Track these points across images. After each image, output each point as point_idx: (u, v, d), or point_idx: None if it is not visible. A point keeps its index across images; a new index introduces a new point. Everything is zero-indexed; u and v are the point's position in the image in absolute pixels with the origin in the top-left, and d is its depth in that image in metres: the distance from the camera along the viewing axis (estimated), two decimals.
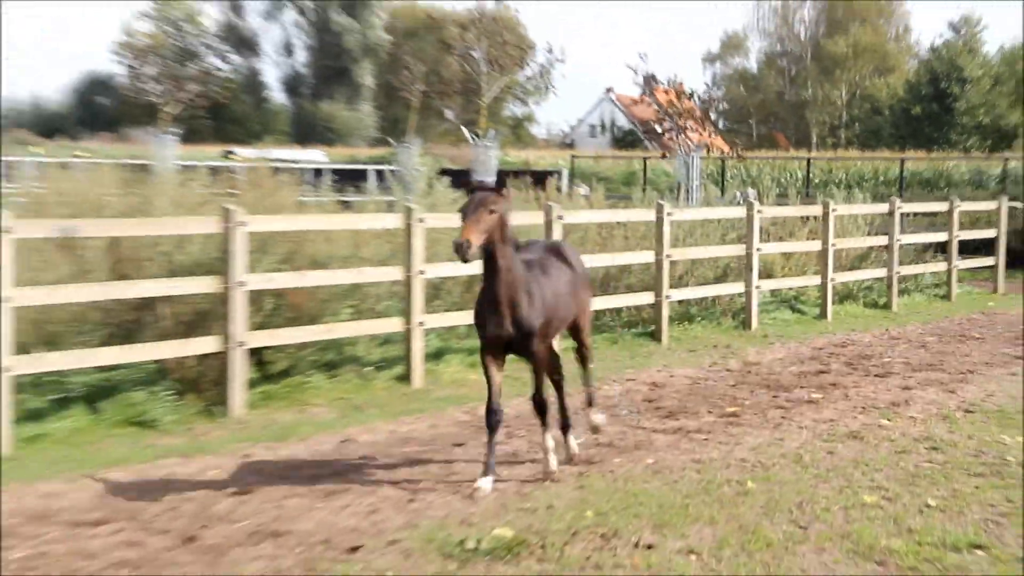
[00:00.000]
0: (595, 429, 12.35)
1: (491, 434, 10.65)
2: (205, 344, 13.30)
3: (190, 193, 17.39)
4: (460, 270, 16.97)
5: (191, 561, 8.47)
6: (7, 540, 8.89)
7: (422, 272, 15.58)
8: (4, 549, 8.70)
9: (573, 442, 11.72)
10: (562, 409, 11.70)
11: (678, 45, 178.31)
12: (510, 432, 12.80)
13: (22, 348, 11.88)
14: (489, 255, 10.14)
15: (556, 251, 11.51)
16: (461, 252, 9.65)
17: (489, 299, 10.34)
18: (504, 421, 13.17)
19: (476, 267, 10.22)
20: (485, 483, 10.42)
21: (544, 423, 10.99)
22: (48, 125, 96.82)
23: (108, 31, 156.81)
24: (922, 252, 28.14)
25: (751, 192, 33.76)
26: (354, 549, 8.76)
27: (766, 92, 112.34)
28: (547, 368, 11.23)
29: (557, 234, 17.68)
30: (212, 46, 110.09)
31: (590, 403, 12.39)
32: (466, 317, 16.88)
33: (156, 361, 13.30)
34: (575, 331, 11.93)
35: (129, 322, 13.45)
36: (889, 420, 13.64)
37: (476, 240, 9.75)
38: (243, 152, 63.47)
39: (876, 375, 16.84)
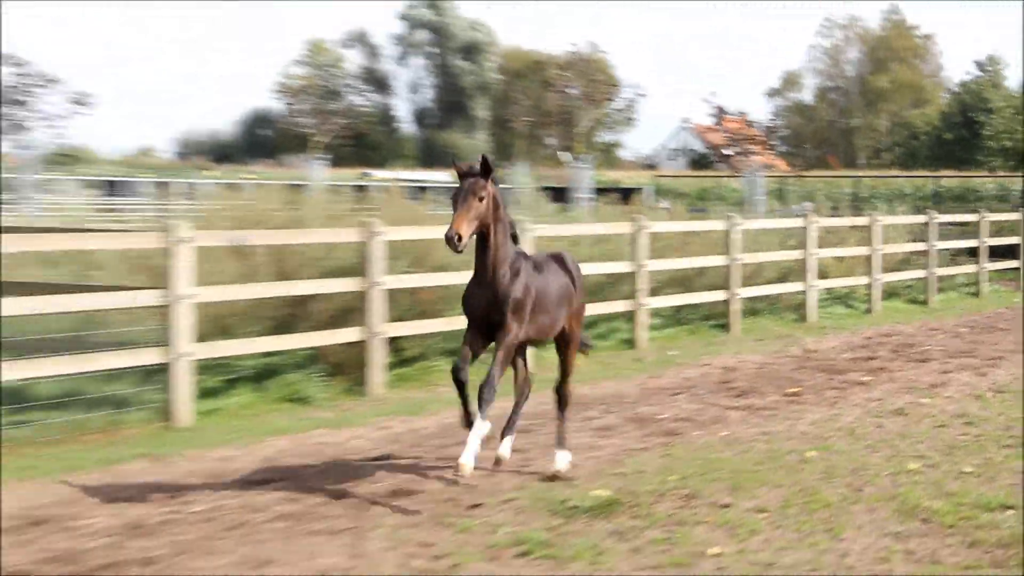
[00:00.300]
0: (553, 476, 9.64)
1: (461, 392, 9.05)
2: (349, 334, 13.38)
3: (337, 208, 17.54)
4: None
5: (340, 514, 8.51)
6: (190, 495, 8.98)
7: None
8: (187, 503, 8.80)
9: (507, 446, 9.83)
10: (512, 417, 9.93)
11: (744, 80, 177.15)
12: (606, 408, 12.76)
13: (201, 337, 12.00)
14: (482, 235, 8.81)
15: (558, 258, 9.88)
16: (452, 245, 8.42)
17: (478, 274, 8.96)
18: (586, 402, 13.16)
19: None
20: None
21: (481, 408, 8.83)
22: (221, 153, 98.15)
23: (270, 74, 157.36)
24: (955, 256, 27.77)
25: (808, 205, 33.40)
26: (475, 506, 8.76)
27: (819, 121, 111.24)
28: (518, 388, 10.03)
29: (644, 242, 17.61)
30: (354, 86, 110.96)
31: (559, 442, 9.93)
32: None
33: (310, 348, 13.39)
34: (562, 342, 9.94)
35: (287, 316, 13.55)
36: (929, 399, 13.44)
37: (467, 231, 8.50)
38: (379, 174, 63.89)
39: (917, 360, 16.63)
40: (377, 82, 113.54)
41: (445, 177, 64.18)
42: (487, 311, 8.96)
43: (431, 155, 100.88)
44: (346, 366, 13.57)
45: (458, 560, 7.46)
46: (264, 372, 13.14)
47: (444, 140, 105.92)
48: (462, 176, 8.74)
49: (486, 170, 8.73)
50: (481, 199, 8.62)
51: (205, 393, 12.27)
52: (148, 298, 11.74)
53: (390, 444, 10.93)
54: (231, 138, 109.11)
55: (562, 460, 9.77)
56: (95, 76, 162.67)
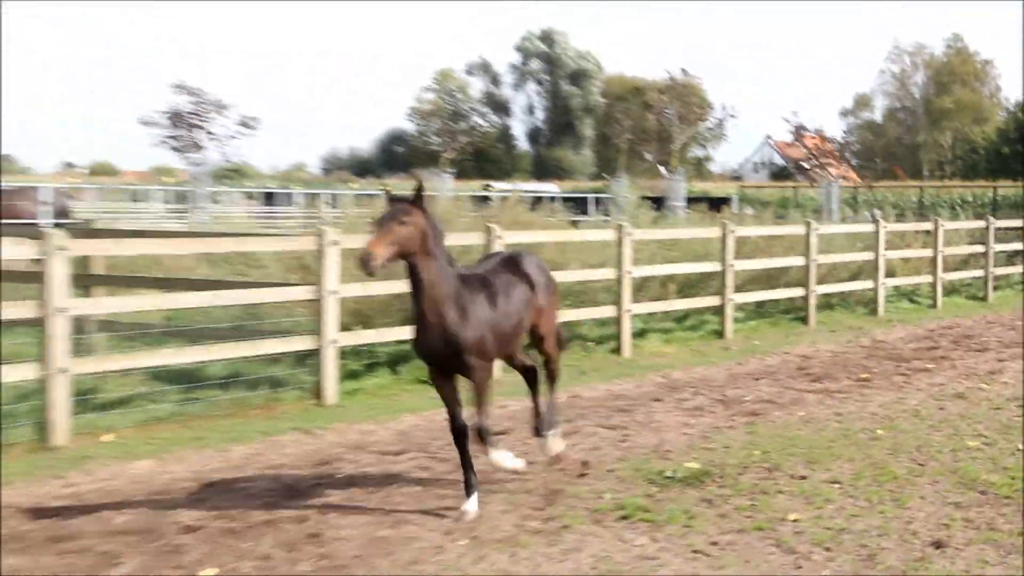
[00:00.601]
0: (555, 458, 8.92)
1: (462, 449, 7.79)
2: None
3: (463, 216, 17.63)
4: (657, 271, 16.92)
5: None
6: (336, 464, 9.10)
7: (629, 272, 15.55)
8: (334, 470, 8.91)
9: (553, 441, 8.93)
10: (536, 410, 8.97)
11: (821, 100, 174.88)
12: (696, 391, 12.69)
13: (345, 327, 12.14)
14: (412, 269, 7.38)
15: (511, 263, 8.39)
16: (364, 265, 7.02)
17: (417, 315, 7.51)
18: (678, 385, 13.11)
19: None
20: (470, 506, 7.71)
21: (483, 448, 7.91)
22: (361, 167, 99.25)
23: (403, 98, 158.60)
24: (1011, 257, 27.12)
25: (877, 212, 32.89)
26: (581, 476, 8.76)
27: (888, 137, 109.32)
28: (542, 374, 8.95)
29: (731, 245, 17.47)
30: (476, 108, 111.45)
31: (544, 425, 8.92)
32: (662, 306, 16.83)
33: None
34: (538, 342, 8.81)
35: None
36: (987, 384, 13.18)
37: (382, 253, 7.06)
38: (498, 185, 64.01)
39: (976, 350, 16.30)
40: (496, 105, 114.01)
41: (555, 188, 64.22)
42: (444, 357, 7.57)
43: (543, 169, 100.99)
44: None
45: (568, 522, 7.47)
46: (398, 357, 13.22)
47: (554, 156, 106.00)
48: (390, 201, 7.47)
49: (417, 199, 7.41)
50: (403, 224, 7.21)
51: (348, 375, 12.40)
52: (301, 293, 11.94)
53: (507, 420, 10.96)
54: (370, 155, 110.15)
55: (555, 441, 8.92)
56: (258, 101, 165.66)
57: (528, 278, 8.32)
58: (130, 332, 12.42)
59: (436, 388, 7.85)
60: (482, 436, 7.79)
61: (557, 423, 9.10)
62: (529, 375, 8.97)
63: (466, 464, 7.78)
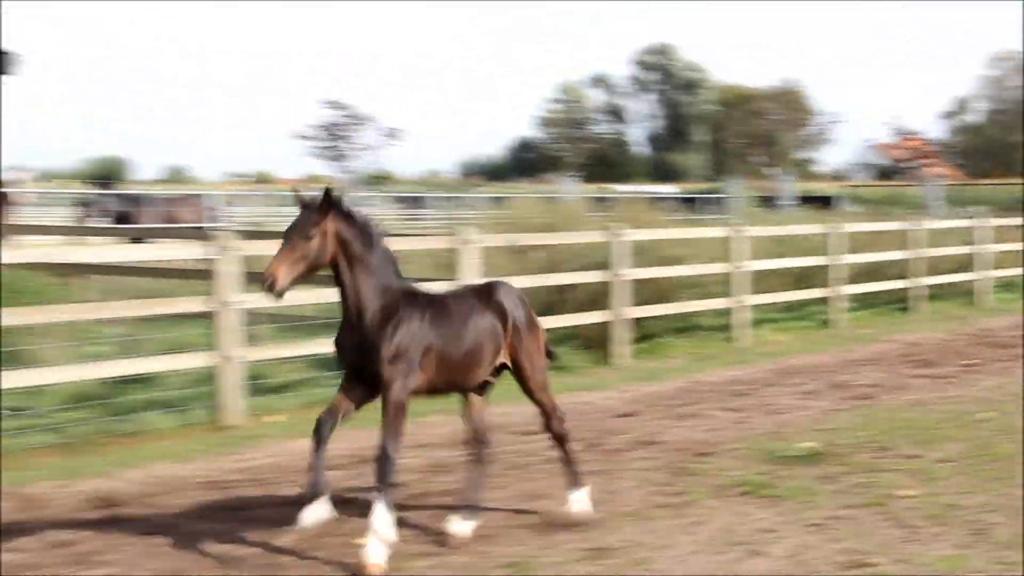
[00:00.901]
0: (570, 522, 6.85)
1: (316, 447, 6.15)
2: (599, 316, 13.40)
3: (586, 216, 17.60)
4: (778, 264, 16.60)
5: (596, 459, 8.54)
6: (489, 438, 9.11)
7: (744, 266, 15.39)
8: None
9: (578, 502, 6.94)
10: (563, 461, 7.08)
11: (922, 103, 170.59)
12: (809, 376, 12.48)
13: None
14: (337, 276, 6.13)
15: (482, 291, 6.78)
16: (266, 290, 5.85)
17: (345, 317, 6.23)
18: (793, 371, 12.89)
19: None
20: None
21: (381, 491, 5.98)
22: (493, 173, 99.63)
23: (532, 109, 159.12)
24: None
25: (978, 209, 31.92)
26: (703, 454, 8.68)
27: (987, 137, 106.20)
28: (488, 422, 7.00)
29: (835, 241, 17.15)
30: (597, 117, 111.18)
31: (573, 482, 7.00)
32: (774, 298, 16.55)
33: (569, 327, 13.42)
34: (521, 383, 6.91)
35: (552, 301, 13.58)
36: None
37: (284, 275, 5.84)
38: (618, 187, 63.82)
39: None
40: (615, 113, 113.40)
41: (672, 189, 63.74)
42: (359, 360, 6.17)
43: (661, 171, 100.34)
44: (597, 341, 13.59)
45: (692, 497, 7.41)
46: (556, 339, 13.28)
47: (671, 159, 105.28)
48: (301, 208, 6.07)
49: (326, 203, 6.01)
50: (309, 237, 5.92)
51: None
52: (438, 287, 11.97)
53: (633, 404, 10.92)
54: (501, 160, 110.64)
55: (579, 500, 6.97)
56: (402, 110, 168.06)
57: (499, 307, 6.64)
58: (291, 323, 12.66)
59: (340, 387, 6.32)
60: (382, 468, 5.98)
61: (581, 482, 7.04)
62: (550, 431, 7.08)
63: (314, 465, 6.14)
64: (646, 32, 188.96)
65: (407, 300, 6.22)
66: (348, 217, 6.09)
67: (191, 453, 8.77)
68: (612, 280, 13.45)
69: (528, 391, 6.90)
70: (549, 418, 6.97)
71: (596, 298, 13.64)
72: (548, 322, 12.89)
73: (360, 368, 6.19)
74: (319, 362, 11.53)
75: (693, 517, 6.98)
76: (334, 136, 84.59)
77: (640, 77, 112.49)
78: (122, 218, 27.84)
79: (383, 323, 6.08)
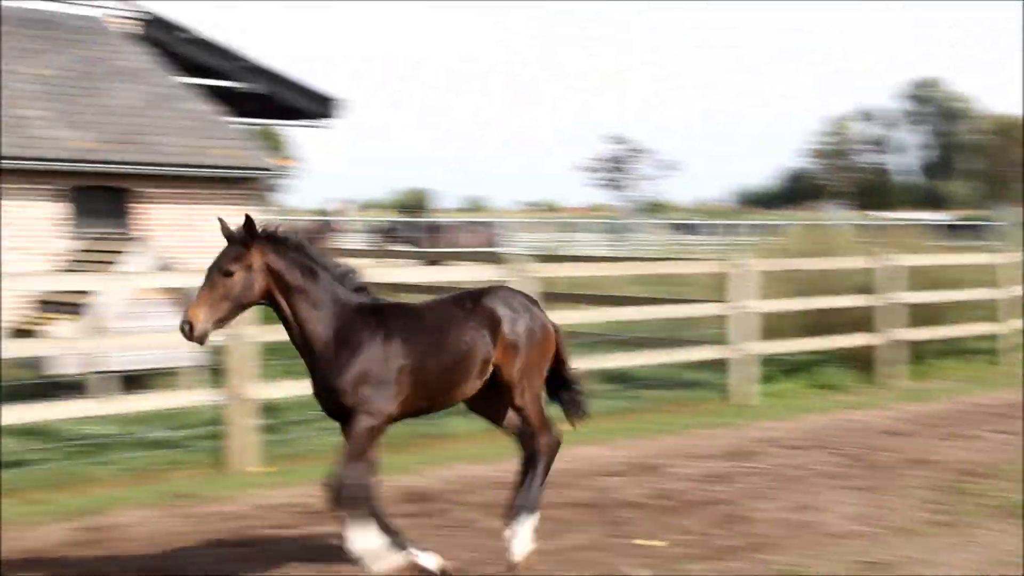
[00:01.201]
0: (511, 566, 5.55)
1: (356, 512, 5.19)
2: (869, 338, 12.76)
3: (853, 242, 16.89)
4: None
5: (862, 475, 8.17)
6: (750, 455, 8.92)
7: (1011, 292, 14.39)
8: (750, 460, 8.75)
9: (518, 535, 5.55)
10: (518, 484, 5.71)
11: None
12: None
13: (762, 338, 11.86)
14: (278, 311, 5.16)
15: (470, 296, 5.60)
16: (185, 336, 4.90)
17: (303, 357, 5.28)
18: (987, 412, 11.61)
19: None
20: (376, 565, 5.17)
21: (354, 516, 5.13)
22: (764, 202, 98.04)
23: (805, 142, 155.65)
24: None
25: None
26: (975, 475, 8.12)
27: None
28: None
29: None
30: (860, 149, 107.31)
31: (514, 510, 5.63)
32: None
33: (838, 348, 12.83)
34: (506, 392, 5.53)
35: (819, 323, 13.02)
36: None
37: (204, 318, 4.91)
38: (882, 215, 61.18)
39: None
40: (882, 144, 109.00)
41: (945, 217, 60.53)
42: (328, 399, 5.21)
43: (932, 199, 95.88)
44: (864, 361, 12.96)
45: (966, 517, 6.96)
46: (803, 364, 12.83)
47: (942, 187, 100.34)
48: (227, 241, 5.10)
49: (248, 234, 5.04)
50: (229, 274, 4.97)
51: (764, 379, 12.03)
52: (713, 309, 11.83)
53: (902, 423, 10.37)
54: (774, 189, 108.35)
55: (521, 537, 5.57)
56: (677, 143, 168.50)
57: (488, 312, 5.48)
58: (577, 340, 12.77)
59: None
60: (336, 495, 5.12)
61: (532, 509, 5.64)
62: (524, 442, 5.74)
63: (382, 526, 5.26)
64: (910, 65, 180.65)
65: (367, 319, 5.21)
66: (278, 245, 5.13)
67: (460, 458, 8.89)
68: (882, 303, 12.84)
69: (511, 400, 5.57)
70: (538, 435, 5.61)
71: (863, 320, 13.01)
72: (817, 344, 12.47)
73: (325, 402, 5.25)
74: (601, 375, 11.52)
75: (967, 536, 6.55)
76: (616, 168, 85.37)
77: (910, 109, 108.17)
78: (414, 243, 29.30)
79: (338, 350, 5.12)
